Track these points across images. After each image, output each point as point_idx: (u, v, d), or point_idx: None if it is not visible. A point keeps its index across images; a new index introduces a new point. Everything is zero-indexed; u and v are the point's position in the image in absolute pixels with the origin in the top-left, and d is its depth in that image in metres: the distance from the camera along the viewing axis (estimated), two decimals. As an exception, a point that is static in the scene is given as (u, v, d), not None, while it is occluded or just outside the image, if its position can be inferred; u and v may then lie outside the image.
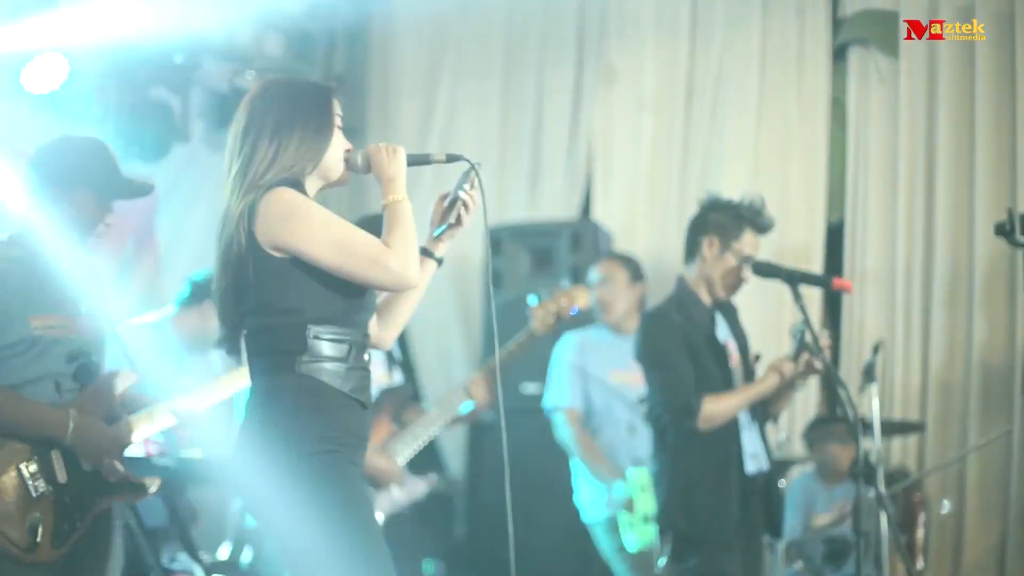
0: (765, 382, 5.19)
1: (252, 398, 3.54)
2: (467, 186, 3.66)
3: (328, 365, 3.45)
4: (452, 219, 3.69)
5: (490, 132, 8.25)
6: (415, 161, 3.63)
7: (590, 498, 6.41)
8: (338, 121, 3.63)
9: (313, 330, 3.45)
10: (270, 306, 3.49)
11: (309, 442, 3.40)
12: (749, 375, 5.37)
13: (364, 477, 3.58)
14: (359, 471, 3.52)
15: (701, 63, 7.64)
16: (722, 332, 5.33)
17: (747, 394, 5.19)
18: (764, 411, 5.38)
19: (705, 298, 5.31)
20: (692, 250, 5.34)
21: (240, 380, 4.85)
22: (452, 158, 3.64)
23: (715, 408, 5.12)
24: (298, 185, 3.53)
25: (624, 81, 7.87)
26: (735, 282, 5.31)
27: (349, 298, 3.48)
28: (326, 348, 3.46)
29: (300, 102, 3.59)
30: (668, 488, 5.28)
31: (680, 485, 5.23)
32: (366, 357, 3.56)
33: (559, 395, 6.47)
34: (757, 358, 5.46)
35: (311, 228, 3.42)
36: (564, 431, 6.44)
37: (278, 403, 3.46)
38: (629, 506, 6.12)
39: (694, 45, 7.68)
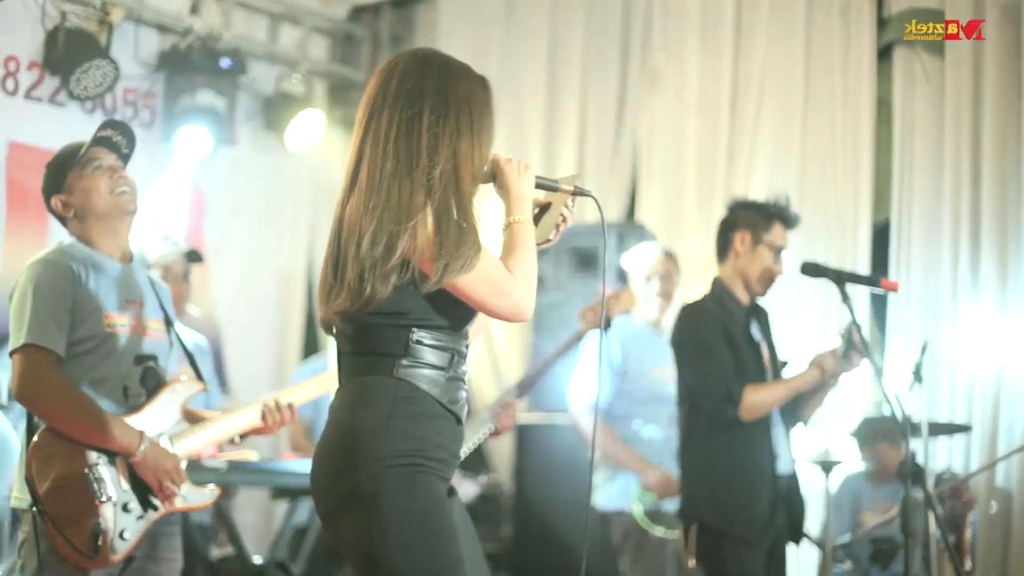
0: (807, 375, 5.21)
1: (342, 397, 3.34)
2: (570, 202, 3.52)
3: (428, 372, 3.26)
4: (553, 237, 3.54)
5: (535, 134, 8.26)
6: (541, 185, 3.45)
7: (610, 489, 6.36)
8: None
9: (417, 334, 3.26)
10: (377, 306, 3.24)
11: (398, 452, 3.19)
12: (776, 376, 5.39)
13: (453, 494, 3.36)
14: (446, 487, 3.31)
15: (745, 64, 7.63)
16: (756, 332, 5.35)
17: (789, 386, 5.22)
18: (791, 413, 5.39)
19: (742, 295, 5.35)
20: (724, 249, 5.42)
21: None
22: (580, 192, 3.50)
23: (757, 398, 5.15)
24: None
25: (668, 82, 7.86)
26: (770, 275, 5.34)
27: (460, 308, 3.30)
28: (428, 354, 3.27)
29: (472, 92, 3.36)
30: (697, 481, 5.34)
31: (710, 478, 5.28)
32: (465, 368, 3.39)
33: (583, 388, 6.42)
34: (784, 364, 5.49)
35: (490, 270, 3.28)
36: (584, 425, 6.40)
37: (371, 406, 3.25)
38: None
39: (738, 45, 7.67)
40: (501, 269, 3.26)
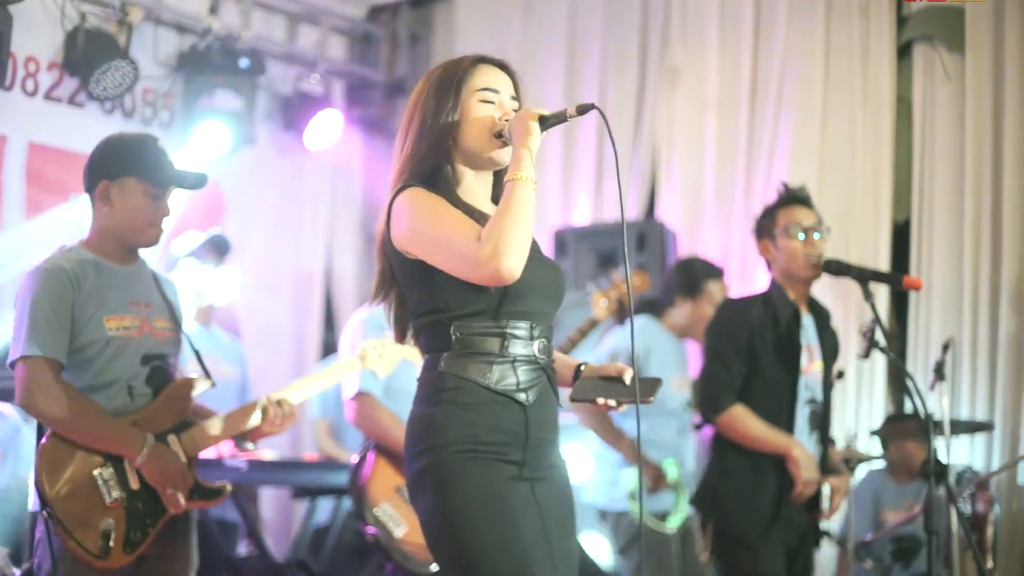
0: (793, 464, 5.15)
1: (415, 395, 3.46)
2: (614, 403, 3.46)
3: (473, 360, 3.32)
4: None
5: (554, 132, 8.19)
6: (554, 122, 3.37)
7: (614, 486, 6.32)
8: (482, 95, 3.44)
9: (457, 326, 3.33)
10: (417, 308, 3.41)
11: (446, 442, 3.28)
12: (827, 386, 5.34)
13: (523, 476, 3.34)
14: (511, 470, 3.32)
15: (765, 61, 7.60)
16: (807, 335, 5.30)
17: (773, 441, 5.16)
18: (826, 420, 5.36)
19: (792, 294, 5.30)
20: (766, 265, 5.39)
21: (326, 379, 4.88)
22: (583, 109, 3.38)
23: (740, 418, 5.15)
24: (436, 177, 3.43)
25: (688, 80, 7.84)
26: (803, 253, 5.27)
27: (493, 290, 3.31)
28: (472, 343, 3.33)
29: (429, 82, 3.48)
30: (704, 479, 5.39)
31: (715, 478, 5.31)
32: (535, 350, 3.38)
33: None
34: (840, 375, 5.46)
35: (414, 225, 3.31)
36: (591, 418, 6.32)
37: (422, 402, 3.38)
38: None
39: (757, 43, 7.64)
40: (465, 238, 3.23)
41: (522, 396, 3.35)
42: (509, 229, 3.18)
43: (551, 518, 3.37)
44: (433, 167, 3.43)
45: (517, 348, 3.35)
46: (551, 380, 3.45)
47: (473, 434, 3.29)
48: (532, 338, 3.38)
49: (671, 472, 6.18)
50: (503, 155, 3.45)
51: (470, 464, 3.27)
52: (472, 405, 3.31)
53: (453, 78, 3.44)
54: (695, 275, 6.49)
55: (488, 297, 3.32)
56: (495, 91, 3.47)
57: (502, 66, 3.54)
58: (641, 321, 6.38)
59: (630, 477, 6.17)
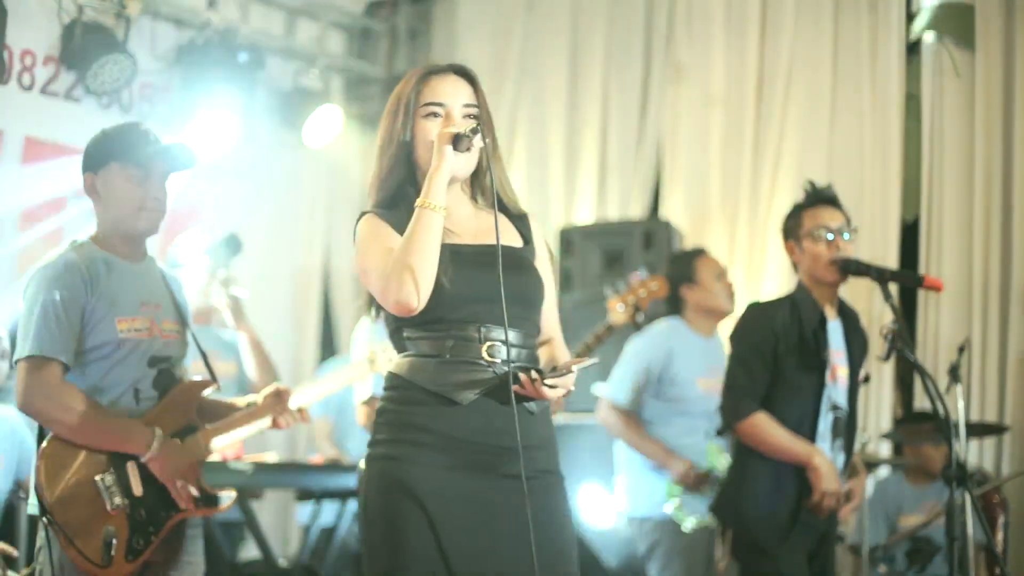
0: (813, 473, 5.06)
1: None
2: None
3: (417, 361, 3.40)
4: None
5: (557, 130, 8.18)
6: (466, 140, 3.34)
7: (642, 491, 6.26)
8: (426, 110, 3.44)
9: (407, 331, 3.42)
10: (386, 323, 3.52)
11: (377, 442, 3.43)
12: (852, 391, 5.26)
13: (454, 483, 3.35)
14: (435, 476, 3.34)
15: (771, 57, 7.55)
16: (834, 340, 5.22)
17: (796, 449, 5.07)
18: (852, 426, 5.29)
19: (819, 296, 5.22)
20: (793, 266, 5.31)
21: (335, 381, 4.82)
22: (475, 130, 3.34)
23: (761, 426, 5.05)
24: (399, 196, 3.45)
25: (693, 77, 7.80)
26: (829, 258, 5.18)
27: (436, 297, 3.30)
28: (419, 346, 3.40)
29: (390, 100, 3.51)
30: (727, 483, 5.32)
31: (735, 484, 5.24)
32: (483, 352, 3.37)
33: (619, 388, 6.30)
34: (867, 378, 5.37)
35: (356, 257, 3.45)
36: (612, 423, 6.29)
37: (381, 400, 3.51)
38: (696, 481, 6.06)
39: (764, 39, 7.60)
40: (370, 252, 3.38)
41: (459, 396, 3.36)
42: (404, 262, 3.25)
43: (494, 527, 3.36)
44: (397, 186, 3.48)
45: (462, 351, 3.38)
46: (507, 384, 3.36)
47: (399, 435, 3.38)
48: (480, 341, 3.38)
49: (721, 462, 6.09)
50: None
51: (390, 468, 3.35)
52: (406, 404, 3.40)
53: (403, 97, 3.47)
54: (684, 261, 6.47)
55: (431, 304, 3.32)
56: (439, 104, 3.45)
57: (459, 71, 3.53)
58: (668, 323, 6.33)
59: (661, 482, 6.12)
